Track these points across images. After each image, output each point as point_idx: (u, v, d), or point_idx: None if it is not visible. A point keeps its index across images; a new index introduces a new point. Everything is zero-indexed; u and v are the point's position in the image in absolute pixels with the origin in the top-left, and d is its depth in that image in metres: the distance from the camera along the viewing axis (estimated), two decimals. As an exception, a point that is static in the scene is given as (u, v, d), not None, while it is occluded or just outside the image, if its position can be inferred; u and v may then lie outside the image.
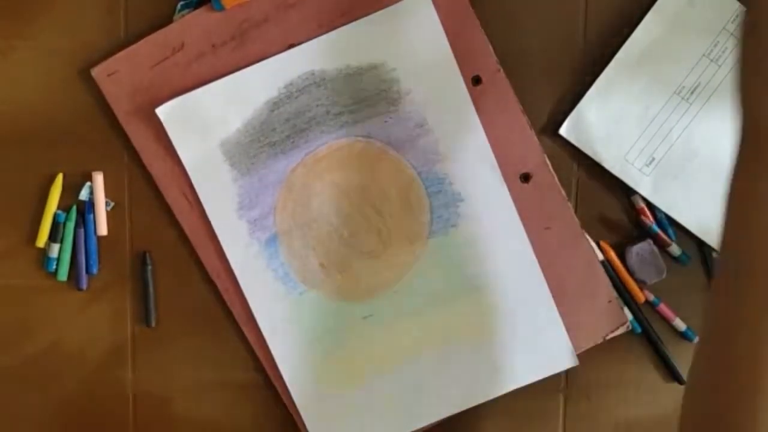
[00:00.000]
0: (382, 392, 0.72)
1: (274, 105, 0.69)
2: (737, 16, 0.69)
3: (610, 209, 0.72)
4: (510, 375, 0.72)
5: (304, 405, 0.72)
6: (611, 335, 0.72)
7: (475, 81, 0.69)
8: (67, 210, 0.71)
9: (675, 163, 0.70)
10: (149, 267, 0.72)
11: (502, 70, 0.69)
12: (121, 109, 0.69)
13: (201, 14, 0.68)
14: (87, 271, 0.71)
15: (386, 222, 0.71)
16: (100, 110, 0.70)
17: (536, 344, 0.71)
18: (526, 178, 0.70)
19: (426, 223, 0.71)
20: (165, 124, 0.68)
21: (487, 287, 0.71)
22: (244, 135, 0.69)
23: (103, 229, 0.71)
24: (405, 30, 0.68)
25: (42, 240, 0.71)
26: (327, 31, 0.68)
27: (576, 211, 0.71)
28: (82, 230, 0.71)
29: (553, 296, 0.71)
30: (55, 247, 0.71)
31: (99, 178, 0.71)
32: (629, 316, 0.72)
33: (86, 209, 0.71)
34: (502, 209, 0.70)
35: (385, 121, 0.69)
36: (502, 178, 0.70)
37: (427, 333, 0.71)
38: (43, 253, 0.72)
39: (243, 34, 0.68)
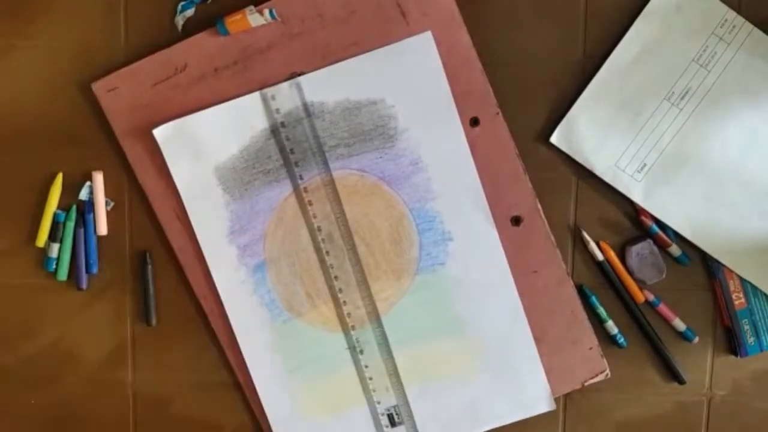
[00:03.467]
0: (361, 422, 0.72)
1: (271, 133, 0.69)
2: (726, 21, 0.69)
3: (611, 210, 0.72)
4: (486, 414, 0.72)
5: (281, 430, 0.72)
6: (589, 382, 0.72)
7: (473, 122, 0.69)
8: (67, 210, 0.71)
9: (666, 169, 0.70)
10: (149, 266, 0.72)
11: (500, 113, 0.69)
12: (119, 125, 0.69)
13: (205, 37, 0.68)
14: (87, 271, 0.71)
15: (375, 256, 0.71)
16: (100, 110, 0.70)
17: (515, 386, 0.72)
18: (516, 221, 0.70)
19: (414, 259, 0.71)
20: (161, 146, 0.68)
21: (471, 327, 0.71)
22: (240, 161, 0.69)
23: (103, 229, 0.71)
24: (406, 68, 0.68)
25: (42, 240, 0.71)
26: (330, 63, 0.68)
27: (576, 212, 0.71)
28: (81, 230, 0.71)
29: (536, 339, 0.71)
30: (55, 246, 0.71)
31: (99, 178, 0.71)
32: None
33: (86, 209, 0.71)
34: (490, 251, 0.70)
35: (380, 157, 0.70)
36: (492, 220, 0.70)
37: (408, 368, 0.72)
38: (43, 252, 0.72)
39: (246, 60, 0.68)
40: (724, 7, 0.69)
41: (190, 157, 0.69)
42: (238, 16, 0.67)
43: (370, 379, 0.72)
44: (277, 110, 0.69)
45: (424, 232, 0.70)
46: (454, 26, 0.68)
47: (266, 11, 0.67)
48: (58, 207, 0.71)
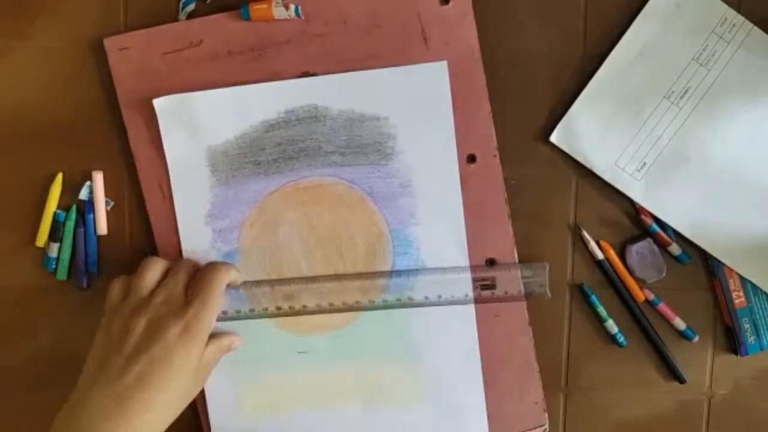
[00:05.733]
0: (302, 426, 0.72)
1: (270, 127, 0.69)
2: (725, 20, 0.69)
3: (610, 208, 0.72)
4: None
5: (218, 424, 0.72)
6: None
7: (470, 159, 0.69)
8: (67, 209, 0.71)
9: (666, 168, 0.70)
10: (149, 266, 0.71)
11: (498, 155, 0.69)
12: (121, 86, 0.69)
13: (226, 18, 0.68)
14: (87, 271, 0.71)
15: (346, 267, 0.71)
16: (100, 110, 0.70)
17: (455, 424, 0.71)
18: (491, 263, 0.71)
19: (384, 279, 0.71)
20: (158, 116, 0.68)
21: (425, 357, 0.71)
22: (233, 147, 0.69)
23: (103, 229, 0.71)
24: (416, 92, 0.68)
25: (42, 239, 0.71)
26: (343, 71, 0.68)
27: (576, 211, 0.71)
28: (81, 229, 0.71)
29: (485, 383, 0.71)
30: (55, 246, 0.71)
31: (99, 178, 0.71)
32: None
33: (86, 208, 0.71)
34: (459, 287, 0.70)
35: (372, 173, 0.70)
36: (468, 259, 0.70)
37: (355, 384, 0.71)
38: (43, 252, 0.72)
39: (261, 49, 0.68)
40: (723, 6, 0.69)
41: (184, 133, 0.69)
42: (263, 5, 0.67)
43: (316, 386, 0.71)
44: (281, 106, 0.69)
45: (399, 256, 0.70)
46: (472, 63, 0.68)
47: (292, 6, 0.67)
48: (58, 207, 0.71)
